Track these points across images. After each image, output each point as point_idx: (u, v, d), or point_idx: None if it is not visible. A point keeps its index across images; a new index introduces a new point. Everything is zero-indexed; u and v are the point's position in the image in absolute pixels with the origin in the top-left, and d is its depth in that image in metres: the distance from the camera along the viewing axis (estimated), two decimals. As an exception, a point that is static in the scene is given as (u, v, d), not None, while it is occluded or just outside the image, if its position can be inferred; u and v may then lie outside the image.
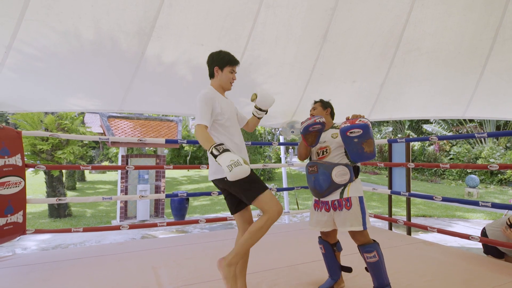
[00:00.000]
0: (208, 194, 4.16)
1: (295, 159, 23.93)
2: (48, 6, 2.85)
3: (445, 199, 3.59)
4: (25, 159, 3.14)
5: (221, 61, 2.06)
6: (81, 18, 3.03)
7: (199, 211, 8.27)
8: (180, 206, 7.11)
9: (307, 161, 2.38)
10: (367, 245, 2.02)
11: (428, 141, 15.21)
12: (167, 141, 4.19)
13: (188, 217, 7.44)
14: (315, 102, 2.41)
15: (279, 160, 17.69)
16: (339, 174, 2.07)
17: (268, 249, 3.27)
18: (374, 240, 2.07)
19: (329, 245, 2.25)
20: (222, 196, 10.00)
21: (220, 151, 1.71)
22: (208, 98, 1.92)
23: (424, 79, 4.42)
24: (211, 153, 1.72)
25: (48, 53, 3.15)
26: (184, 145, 18.61)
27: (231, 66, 2.07)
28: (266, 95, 2.16)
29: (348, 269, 2.30)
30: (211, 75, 2.10)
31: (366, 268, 2.10)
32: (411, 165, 3.99)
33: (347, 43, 4.18)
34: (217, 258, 1.94)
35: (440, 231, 3.54)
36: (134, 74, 3.62)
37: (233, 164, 1.64)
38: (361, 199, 2.08)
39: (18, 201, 3.02)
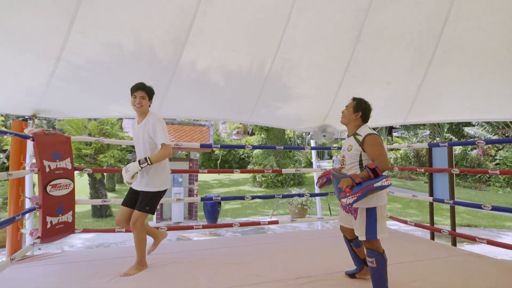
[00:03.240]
0: (241, 198, 4.21)
1: (325, 163, 23.47)
2: (94, 19, 3.06)
3: (495, 208, 3.28)
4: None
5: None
6: (122, 29, 3.22)
7: (230, 215, 8.37)
8: (212, 209, 7.24)
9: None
10: (370, 250, 2.20)
11: (472, 145, 14.26)
12: (202, 146, 4.30)
13: (220, 220, 7.56)
14: (353, 100, 2.52)
15: (308, 164, 17.41)
16: None
17: (302, 256, 3.23)
18: (381, 250, 2.20)
19: (347, 239, 2.51)
20: (253, 200, 10.07)
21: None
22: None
23: (466, 80, 4.15)
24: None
25: (92, 63, 3.38)
26: (214, 149, 18.94)
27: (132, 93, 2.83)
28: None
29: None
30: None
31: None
32: (455, 170, 3.75)
33: (381, 44, 4.04)
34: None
35: (490, 242, 3.28)
36: (170, 81, 3.76)
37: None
38: (369, 210, 2.18)
39: (68, 202, 3.25)
